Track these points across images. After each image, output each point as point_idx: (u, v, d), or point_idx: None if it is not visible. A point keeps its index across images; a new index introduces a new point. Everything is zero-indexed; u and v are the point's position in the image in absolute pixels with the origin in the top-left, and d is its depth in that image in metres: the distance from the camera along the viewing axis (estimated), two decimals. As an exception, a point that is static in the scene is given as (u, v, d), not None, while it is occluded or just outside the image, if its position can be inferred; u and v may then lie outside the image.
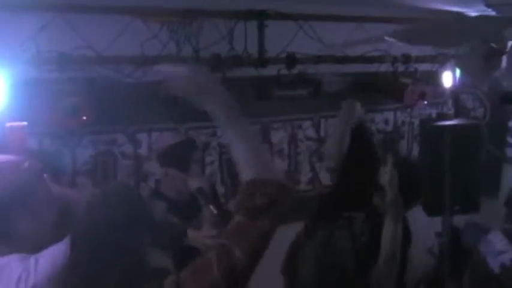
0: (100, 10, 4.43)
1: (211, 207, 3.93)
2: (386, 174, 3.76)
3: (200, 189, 4.07)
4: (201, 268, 2.12)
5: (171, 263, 2.28)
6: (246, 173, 2.24)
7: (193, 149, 4.43)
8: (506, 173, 6.88)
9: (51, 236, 2.65)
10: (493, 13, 3.27)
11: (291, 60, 5.31)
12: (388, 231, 3.37)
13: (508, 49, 3.29)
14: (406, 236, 3.79)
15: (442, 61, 6.36)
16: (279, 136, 5.77)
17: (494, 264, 3.19)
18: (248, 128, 2.34)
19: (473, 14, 5.07)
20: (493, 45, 3.27)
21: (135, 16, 4.61)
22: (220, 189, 5.35)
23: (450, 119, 6.57)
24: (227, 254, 2.10)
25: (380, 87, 6.02)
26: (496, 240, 3.19)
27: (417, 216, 6.40)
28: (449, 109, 6.99)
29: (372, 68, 5.95)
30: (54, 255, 2.53)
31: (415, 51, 6.06)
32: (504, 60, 3.36)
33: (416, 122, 6.71)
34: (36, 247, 2.60)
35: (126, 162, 4.95)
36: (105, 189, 2.53)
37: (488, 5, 3.20)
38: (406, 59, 6.00)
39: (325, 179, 6.10)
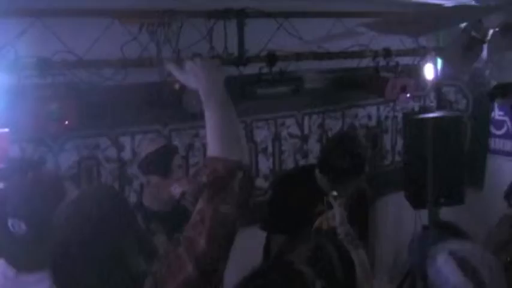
0: (79, 14, 4.41)
1: None
2: (335, 216, 3.79)
3: (184, 194, 4.04)
4: (174, 264, 2.11)
5: (146, 265, 2.26)
6: (210, 147, 2.24)
7: (173, 154, 4.39)
8: (490, 164, 6.91)
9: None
10: (472, 3, 3.27)
11: (272, 58, 5.31)
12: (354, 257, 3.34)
13: (488, 38, 3.29)
14: None
15: (423, 54, 6.39)
16: (262, 135, 5.76)
17: None
18: (230, 105, 2.35)
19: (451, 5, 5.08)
20: (473, 34, 3.28)
21: (113, 18, 4.59)
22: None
23: (433, 111, 6.60)
24: (193, 246, 2.09)
25: (362, 82, 6.04)
26: (447, 270, 2.80)
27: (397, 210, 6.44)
28: (432, 102, 7.02)
29: (353, 63, 5.97)
30: None
31: (395, 45, 6.08)
32: (485, 49, 3.37)
33: (400, 115, 6.72)
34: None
35: (110, 166, 4.92)
36: (91, 188, 2.53)
37: (467, -5, 3.21)
38: (387, 53, 6.02)
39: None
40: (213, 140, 2.24)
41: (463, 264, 2.70)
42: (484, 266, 2.70)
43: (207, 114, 2.30)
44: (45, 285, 2.48)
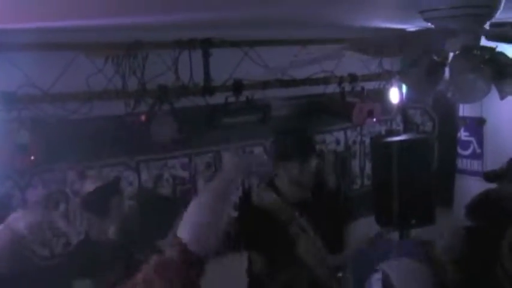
0: (43, 47, 4.39)
1: None
2: None
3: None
4: None
5: None
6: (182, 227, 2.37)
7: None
8: (458, 184, 6.97)
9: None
10: (432, 27, 3.33)
11: (238, 86, 5.33)
12: None
13: (449, 61, 3.34)
14: None
15: (388, 78, 6.45)
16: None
17: None
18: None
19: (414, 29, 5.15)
20: (434, 57, 3.32)
21: (78, 51, 4.58)
22: (175, 221, 5.33)
23: (400, 134, 6.65)
24: None
25: (328, 108, 6.07)
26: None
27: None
28: (398, 125, 7.07)
29: (319, 89, 6.00)
30: None
31: (360, 70, 6.14)
32: (446, 72, 3.41)
33: (367, 139, 6.76)
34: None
35: (78, 200, 4.87)
36: None
37: (426, 20, 3.25)
38: (352, 78, 6.08)
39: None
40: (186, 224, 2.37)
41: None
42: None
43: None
44: None
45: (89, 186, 4.23)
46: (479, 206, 4.01)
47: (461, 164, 7.00)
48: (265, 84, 5.51)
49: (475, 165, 6.86)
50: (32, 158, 4.26)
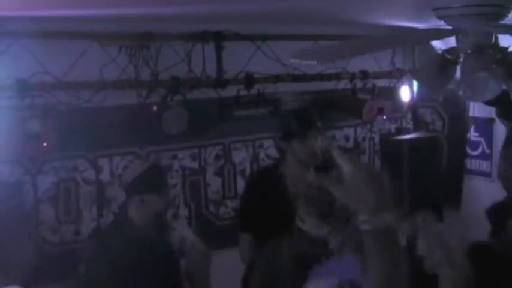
0: (57, 35, 4.43)
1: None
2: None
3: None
4: None
5: None
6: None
7: (163, 173, 4.46)
8: (467, 185, 6.95)
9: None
10: (445, 25, 3.34)
11: (250, 80, 5.36)
12: None
13: (461, 59, 3.35)
14: None
15: (399, 76, 6.45)
16: (240, 156, 5.77)
17: None
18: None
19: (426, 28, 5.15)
20: (446, 55, 3.34)
21: (92, 41, 4.62)
22: (184, 212, 5.37)
23: (409, 132, 6.65)
24: None
25: (339, 104, 6.07)
26: None
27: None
28: (408, 123, 7.06)
29: (330, 85, 6.01)
30: None
31: (372, 67, 6.14)
32: (458, 70, 3.43)
33: (377, 137, 6.75)
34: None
35: (88, 188, 4.92)
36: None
37: (439, 18, 3.27)
38: (364, 75, 6.07)
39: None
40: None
41: None
42: None
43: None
44: None
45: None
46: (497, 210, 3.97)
47: (470, 164, 6.99)
48: (276, 78, 5.52)
49: (483, 165, 6.85)
50: (44, 145, 4.30)
